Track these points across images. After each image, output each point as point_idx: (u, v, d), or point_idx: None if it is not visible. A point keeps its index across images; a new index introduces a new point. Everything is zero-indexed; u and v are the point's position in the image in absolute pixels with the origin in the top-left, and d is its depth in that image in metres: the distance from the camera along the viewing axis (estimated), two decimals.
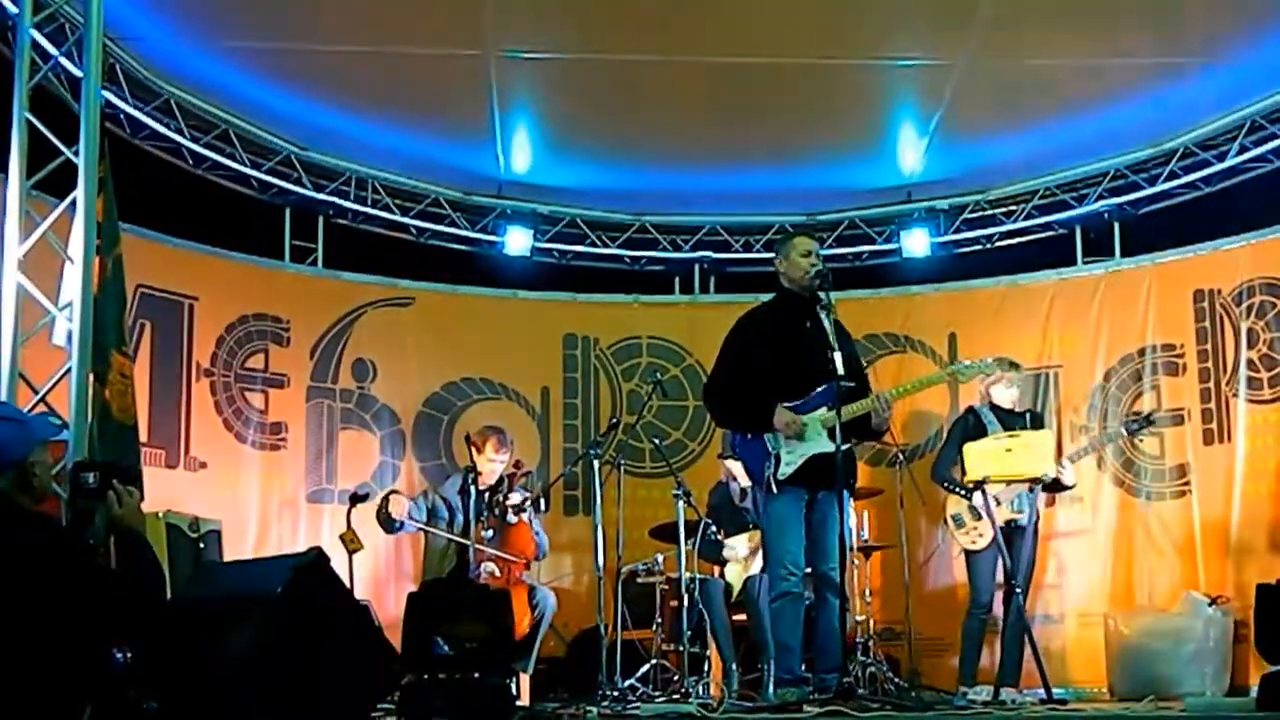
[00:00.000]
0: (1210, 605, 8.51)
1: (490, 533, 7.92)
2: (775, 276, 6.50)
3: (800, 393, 6.13)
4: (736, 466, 8.33)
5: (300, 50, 8.47)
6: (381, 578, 9.37)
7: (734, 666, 7.99)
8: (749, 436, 6.31)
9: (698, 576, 8.08)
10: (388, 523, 7.98)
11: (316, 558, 4.33)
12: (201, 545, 7.55)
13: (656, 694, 7.77)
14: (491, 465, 8.07)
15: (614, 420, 8.87)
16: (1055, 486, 8.09)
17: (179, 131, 9.11)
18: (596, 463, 8.02)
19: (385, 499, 7.99)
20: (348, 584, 5.90)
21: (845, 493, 6.17)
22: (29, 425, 4.04)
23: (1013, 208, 10.50)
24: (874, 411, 6.14)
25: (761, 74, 8.65)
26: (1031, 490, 7.75)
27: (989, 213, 10.57)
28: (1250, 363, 9.10)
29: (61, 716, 3.52)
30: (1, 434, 3.84)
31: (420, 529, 8.09)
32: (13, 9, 6.95)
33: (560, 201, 10.67)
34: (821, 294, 6.20)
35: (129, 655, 3.89)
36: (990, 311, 10.31)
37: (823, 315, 6.15)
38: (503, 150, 9.80)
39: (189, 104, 9.09)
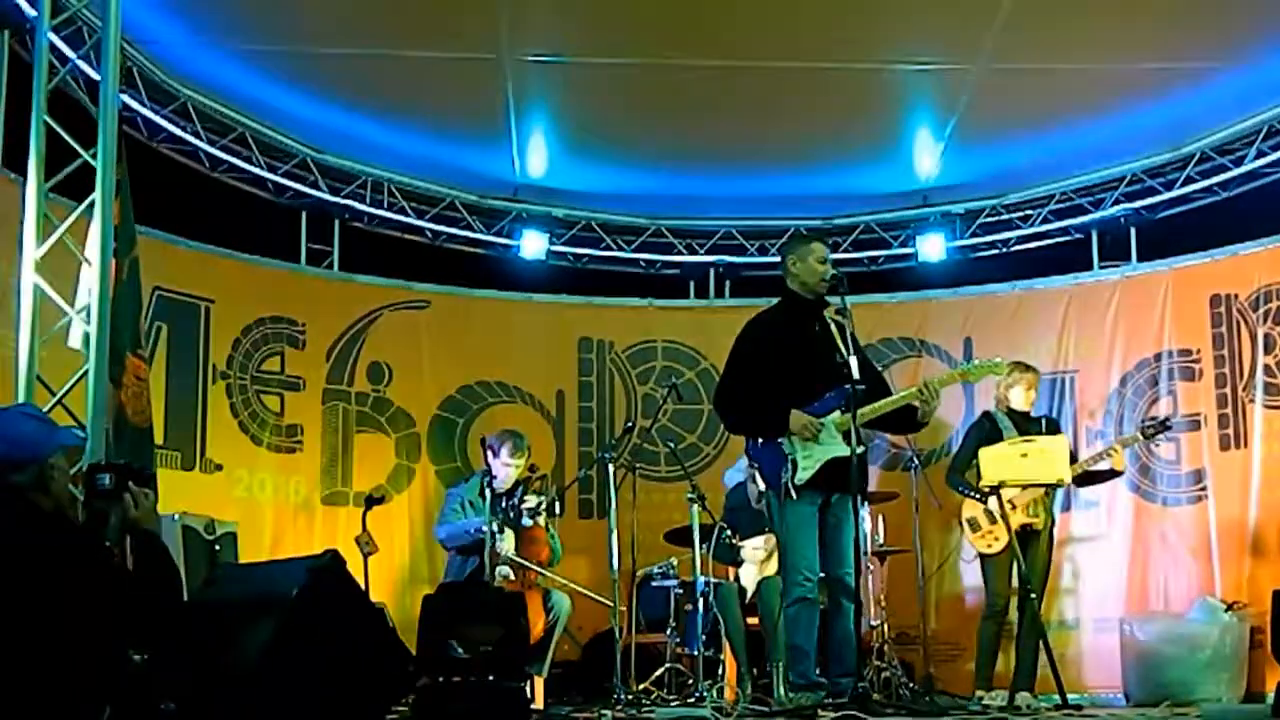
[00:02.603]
0: (1226, 611, 8.49)
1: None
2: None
3: (812, 396, 6.13)
4: None
5: (316, 54, 8.50)
6: (397, 580, 9.38)
7: (748, 670, 7.98)
8: (761, 442, 6.32)
9: (712, 580, 8.08)
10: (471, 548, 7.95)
11: (332, 560, 4.34)
12: (217, 547, 7.56)
13: (671, 698, 7.75)
14: (507, 469, 8.06)
15: (629, 424, 8.86)
16: (1106, 476, 8.10)
17: (196, 134, 9.15)
18: (611, 466, 8.02)
19: (491, 534, 7.73)
20: (363, 587, 5.91)
21: (858, 497, 6.18)
22: (55, 427, 4.06)
23: (1029, 212, 10.49)
24: (924, 400, 6.14)
25: (777, 78, 8.65)
26: (1048, 495, 7.73)
27: (1005, 217, 10.56)
28: (1267, 368, 9.07)
29: (81, 717, 3.53)
30: (27, 430, 3.85)
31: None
32: (31, 12, 6.99)
33: (575, 205, 10.67)
34: (834, 299, 6.20)
35: (146, 657, 3.90)
36: (1006, 316, 10.29)
37: (831, 318, 6.14)
38: (518, 154, 9.81)
39: (206, 107, 9.12)
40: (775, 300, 6.59)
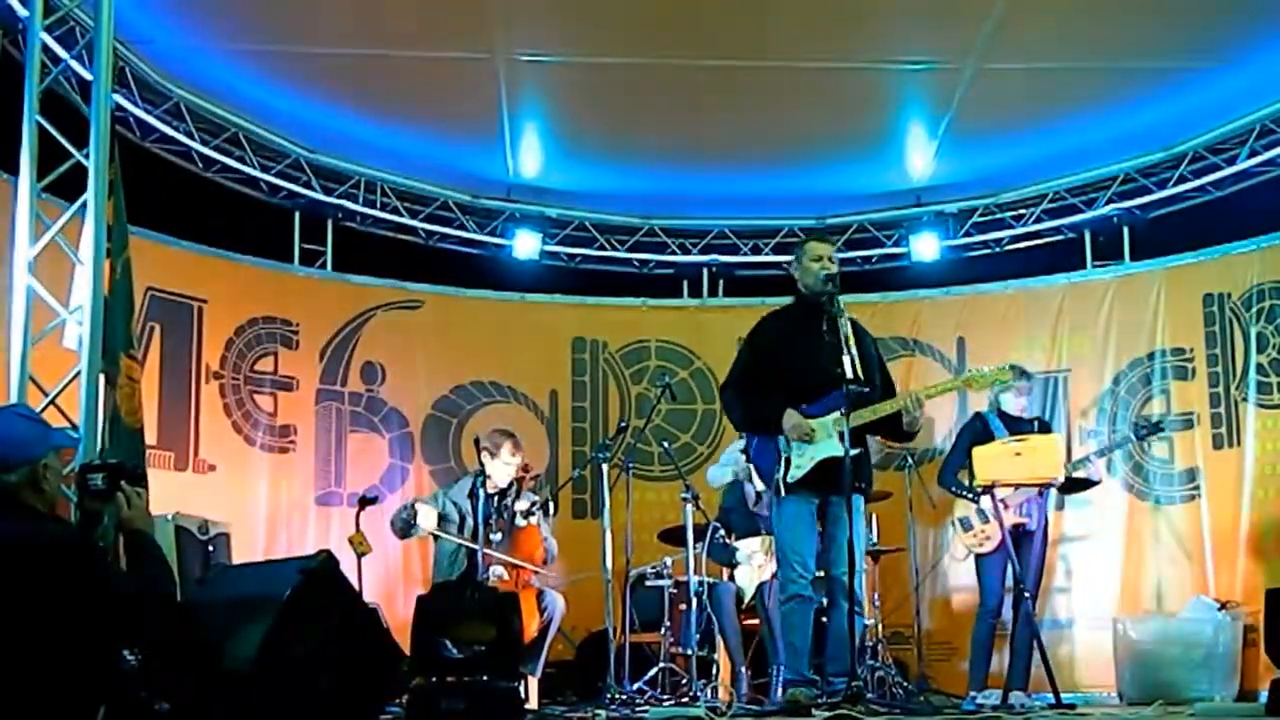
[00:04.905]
0: (1220, 610, 8.48)
1: (499, 536, 7.91)
2: (785, 280, 6.52)
3: (813, 396, 6.13)
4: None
5: (309, 53, 8.49)
6: (390, 581, 9.37)
7: (742, 670, 7.98)
8: (758, 440, 6.34)
9: (706, 580, 8.08)
10: (406, 530, 8.00)
11: (325, 560, 4.33)
12: (210, 548, 7.54)
13: (664, 697, 7.76)
14: (506, 469, 8.05)
15: (622, 423, 8.86)
16: (1082, 484, 8.10)
17: (188, 134, 9.14)
18: (605, 466, 8.02)
19: (413, 510, 7.97)
20: (356, 587, 5.91)
21: (859, 497, 6.17)
22: (48, 428, 4.05)
23: (1022, 211, 10.50)
24: (905, 410, 6.13)
25: (771, 77, 8.65)
26: (1041, 495, 7.73)
27: (998, 216, 10.57)
28: (1260, 367, 9.08)
29: (75, 718, 3.52)
30: (20, 430, 3.85)
31: (430, 533, 8.09)
32: (23, 12, 6.97)
33: (569, 205, 10.67)
34: (830, 298, 6.20)
35: (139, 657, 3.89)
36: (999, 315, 10.30)
37: (839, 319, 6.14)
38: (511, 153, 9.81)
39: (198, 107, 9.11)
40: (776, 299, 6.62)
